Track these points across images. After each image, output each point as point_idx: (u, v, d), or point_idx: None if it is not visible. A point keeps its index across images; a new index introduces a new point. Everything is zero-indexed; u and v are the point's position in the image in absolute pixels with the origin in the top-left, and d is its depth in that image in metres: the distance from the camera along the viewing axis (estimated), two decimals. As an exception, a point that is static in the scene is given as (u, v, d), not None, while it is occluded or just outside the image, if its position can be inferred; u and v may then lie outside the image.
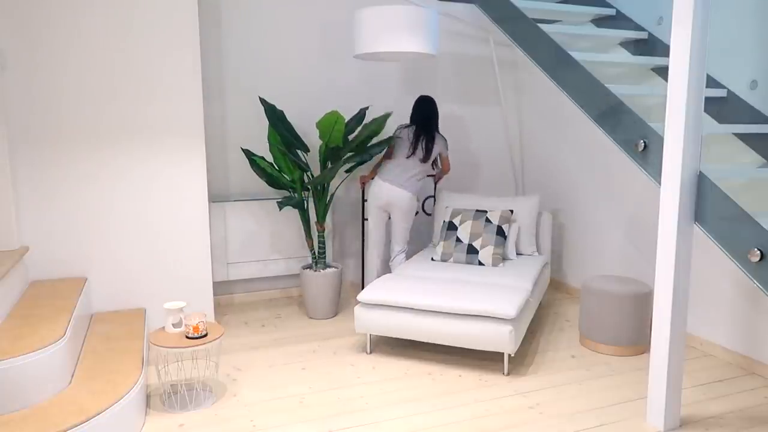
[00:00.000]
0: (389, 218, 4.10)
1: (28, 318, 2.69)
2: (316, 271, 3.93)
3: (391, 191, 3.93)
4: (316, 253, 4.01)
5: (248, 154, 3.86)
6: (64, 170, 3.27)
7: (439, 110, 4.20)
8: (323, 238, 3.97)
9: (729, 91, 3.09)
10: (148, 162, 3.43)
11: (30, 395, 2.30)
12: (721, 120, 3.15)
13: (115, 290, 3.45)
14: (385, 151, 4.03)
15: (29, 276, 3.27)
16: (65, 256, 3.33)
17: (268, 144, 3.85)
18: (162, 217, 3.49)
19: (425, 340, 3.19)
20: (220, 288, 4.30)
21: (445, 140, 4.08)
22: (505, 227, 3.86)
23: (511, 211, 3.94)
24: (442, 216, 4.28)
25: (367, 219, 4.50)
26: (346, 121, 4.01)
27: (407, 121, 4.55)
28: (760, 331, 3.12)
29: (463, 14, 4.73)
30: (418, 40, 3.57)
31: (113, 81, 3.30)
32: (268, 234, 4.24)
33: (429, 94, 4.41)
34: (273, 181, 3.90)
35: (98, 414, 2.25)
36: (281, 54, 4.26)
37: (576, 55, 3.01)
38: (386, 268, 4.25)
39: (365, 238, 4.57)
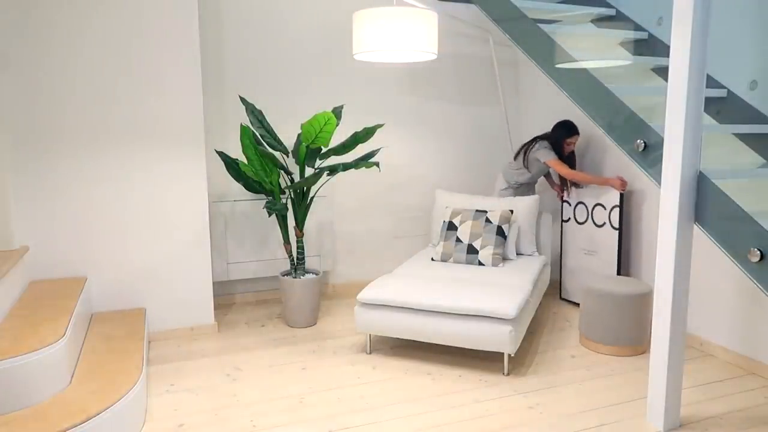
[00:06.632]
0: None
1: (28, 318, 2.69)
2: (296, 277, 3.83)
3: None
4: (295, 259, 3.89)
5: (223, 156, 3.71)
6: (64, 170, 3.27)
7: (559, 131, 4.15)
8: (302, 243, 3.86)
9: (729, 91, 3.09)
10: (148, 162, 3.43)
11: (30, 395, 2.30)
12: (721, 120, 3.15)
13: (115, 290, 3.45)
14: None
15: (29, 276, 3.27)
16: (65, 256, 3.33)
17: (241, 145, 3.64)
18: (162, 217, 3.49)
19: (425, 340, 3.19)
20: (220, 288, 4.30)
21: (545, 148, 4.10)
22: (505, 227, 3.85)
23: (511, 211, 3.93)
24: (441, 216, 4.28)
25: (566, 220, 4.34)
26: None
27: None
28: (760, 331, 3.11)
29: (463, 14, 4.73)
30: (418, 41, 3.57)
31: (113, 81, 3.30)
32: (267, 234, 4.24)
33: (564, 123, 4.19)
34: (250, 186, 3.76)
35: (98, 414, 2.25)
36: (281, 54, 4.26)
37: (576, 55, 3.01)
38: None
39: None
